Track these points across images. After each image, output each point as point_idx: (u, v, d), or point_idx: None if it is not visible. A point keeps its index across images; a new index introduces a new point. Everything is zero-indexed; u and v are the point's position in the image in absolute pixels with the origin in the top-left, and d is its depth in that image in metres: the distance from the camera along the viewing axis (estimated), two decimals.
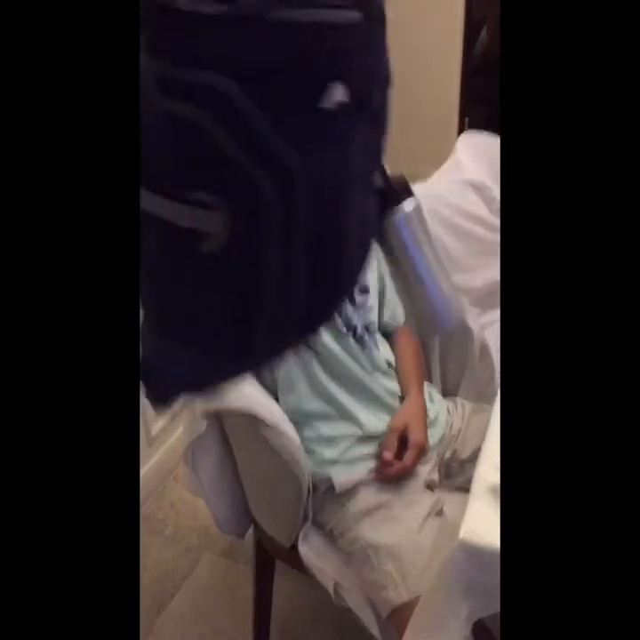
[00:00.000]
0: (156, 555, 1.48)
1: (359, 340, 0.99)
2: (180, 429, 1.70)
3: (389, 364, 1.05)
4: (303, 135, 0.44)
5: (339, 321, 0.97)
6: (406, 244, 0.75)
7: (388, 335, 1.09)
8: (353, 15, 0.44)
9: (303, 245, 0.46)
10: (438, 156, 3.31)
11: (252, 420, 0.88)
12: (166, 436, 1.68)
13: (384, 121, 0.53)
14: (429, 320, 0.79)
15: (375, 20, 0.47)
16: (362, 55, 0.46)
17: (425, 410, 1.02)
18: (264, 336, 0.49)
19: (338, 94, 0.45)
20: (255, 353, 0.51)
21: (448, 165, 1.57)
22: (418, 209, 0.75)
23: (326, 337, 0.96)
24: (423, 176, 2.33)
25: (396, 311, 1.09)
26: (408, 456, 0.95)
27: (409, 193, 0.75)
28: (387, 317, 1.08)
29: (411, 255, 0.75)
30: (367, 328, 1.01)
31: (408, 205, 0.72)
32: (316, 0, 0.42)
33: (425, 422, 1.00)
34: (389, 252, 0.74)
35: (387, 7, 0.56)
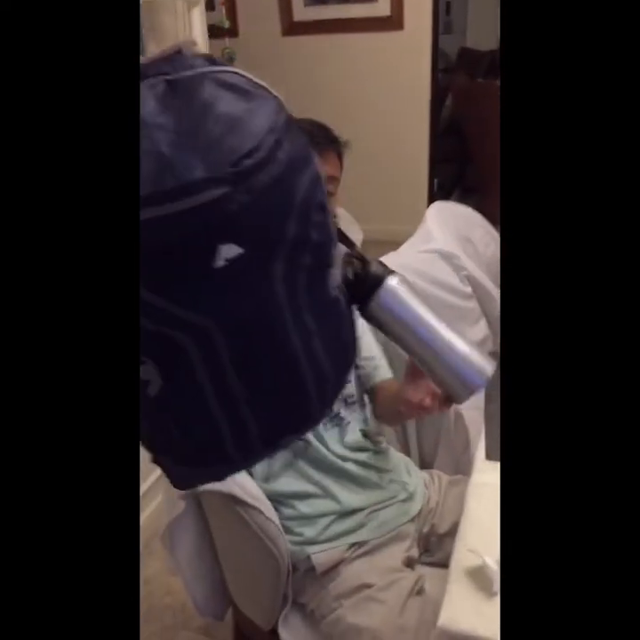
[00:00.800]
0: None
1: (334, 418, 1.00)
2: (153, 505, 1.67)
3: (365, 434, 1.06)
4: (206, 296, 0.51)
5: None
6: (401, 317, 0.68)
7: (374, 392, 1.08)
8: (217, 191, 0.48)
9: (236, 377, 0.55)
10: (410, 214, 3.40)
11: (230, 501, 0.88)
12: (141, 507, 1.65)
13: (313, 241, 0.56)
14: (458, 388, 0.71)
15: (258, 182, 0.51)
16: (252, 209, 0.51)
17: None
18: (230, 450, 0.58)
19: (229, 251, 0.50)
20: (227, 462, 0.59)
21: (418, 235, 1.62)
22: (403, 280, 0.71)
23: None
24: (395, 233, 2.39)
25: (376, 371, 1.08)
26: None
27: (389, 271, 0.72)
28: (368, 383, 1.07)
29: (412, 327, 0.68)
30: (345, 401, 1.02)
31: (392, 280, 0.68)
32: (181, 191, 0.48)
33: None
34: (389, 334, 0.71)
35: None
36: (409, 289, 0.71)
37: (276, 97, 0.57)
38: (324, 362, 0.61)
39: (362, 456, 1.03)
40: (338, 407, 1.01)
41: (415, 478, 1.08)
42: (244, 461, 0.63)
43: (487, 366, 0.72)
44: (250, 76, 0.57)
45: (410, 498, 1.03)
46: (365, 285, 0.68)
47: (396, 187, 3.60)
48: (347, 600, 0.91)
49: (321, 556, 0.94)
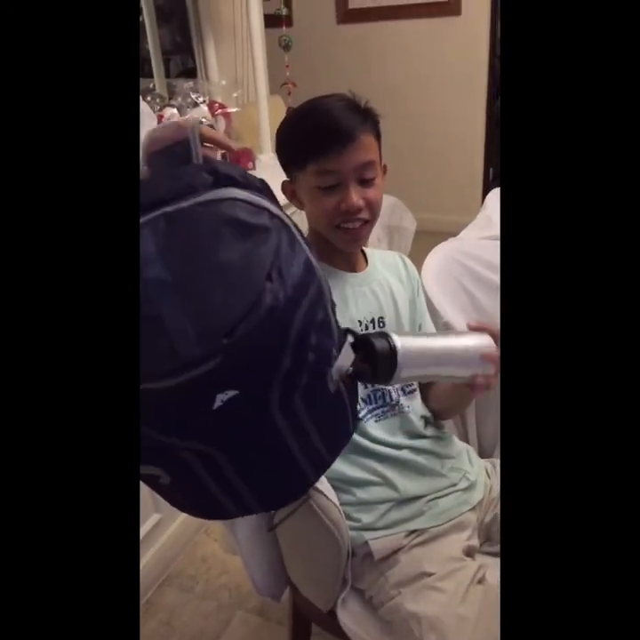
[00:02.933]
0: (187, 616, 1.46)
1: (394, 407, 0.99)
2: None
3: (426, 420, 1.05)
4: (205, 431, 0.56)
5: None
6: (422, 364, 0.76)
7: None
8: (212, 363, 0.51)
9: (233, 472, 0.62)
10: (465, 205, 3.35)
11: None
12: None
13: (310, 362, 0.59)
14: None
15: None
16: (246, 361, 0.53)
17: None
18: (230, 510, 0.69)
19: (225, 396, 0.53)
20: (225, 516, 0.73)
21: (478, 221, 1.59)
22: (400, 334, 0.74)
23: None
24: (449, 223, 2.36)
25: None
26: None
27: (387, 336, 0.73)
28: None
29: (432, 365, 0.78)
30: (404, 390, 1.01)
31: (396, 343, 0.72)
32: (179, 369, 0.50)
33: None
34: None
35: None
36: (411, 336, 0.76)
37: (277, 217, 0.57)
38: (321, 450, 0.68)
39: (421, 443, 1.01)
40: (397, 396, 0.99)
41: (477, 467, 1.06)
42: (242, 515, 0.71)
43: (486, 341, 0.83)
44: (251, 196, 0.55)
45: (471, 487, 1.02)
46: (381, 367, 0.71)
47: (450, 176, 3.54)
48: (405, 588, 0.90)
49: (378, 542, 0.94)
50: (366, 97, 0.94)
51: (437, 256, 1.40)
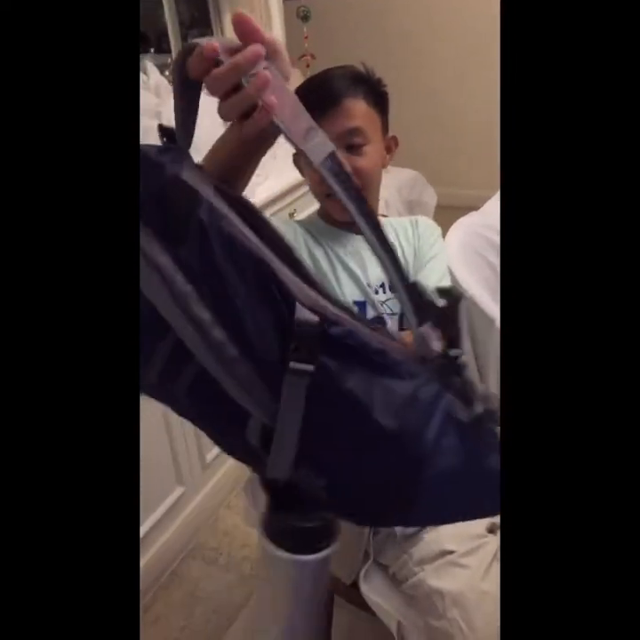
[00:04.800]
0: (211, 586, 1.49)
1: None
2: (228, 464, 1.71)
3: None
4: None
5: None
6: None
7: None
8: None
9: None
10: (487, 179, 3.27)
11: None
12: (220, 463, 1.70)
13: None
14: None
15: None
16: None
17: None
18: None
19: None
20: None
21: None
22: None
23: None
24: (472, 198, 2.31)
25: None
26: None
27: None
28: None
29: None
30: None
31: None
32: None
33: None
34: None
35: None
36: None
37: None
38: None
39: None
40: None
41: None
42: None
43: None
44: None
45: None
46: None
47: (472, 149, 3.47)
48: (428, 565, 0.90)
49: None
50: (389, 69, 0.92)
51: (459, 230, 1.38)
